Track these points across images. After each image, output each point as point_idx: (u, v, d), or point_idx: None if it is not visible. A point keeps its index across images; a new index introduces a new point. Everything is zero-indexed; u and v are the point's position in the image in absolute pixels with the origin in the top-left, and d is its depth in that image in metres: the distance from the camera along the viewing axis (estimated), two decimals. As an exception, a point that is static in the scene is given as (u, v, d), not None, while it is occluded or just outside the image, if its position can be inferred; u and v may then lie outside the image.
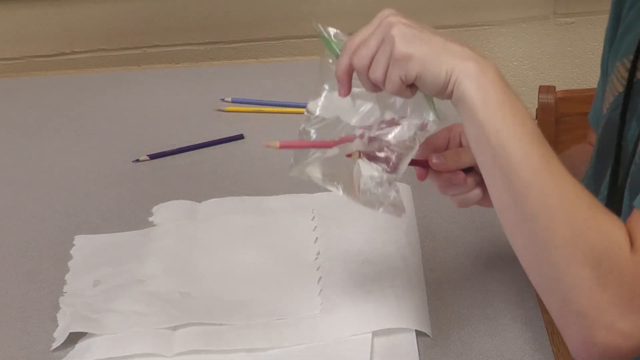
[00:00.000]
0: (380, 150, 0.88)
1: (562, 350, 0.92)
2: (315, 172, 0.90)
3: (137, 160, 1.33)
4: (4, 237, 1.17)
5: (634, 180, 0.97)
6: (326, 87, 0.91)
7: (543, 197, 0.80)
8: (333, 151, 0.90)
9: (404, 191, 1.17)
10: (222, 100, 1.49)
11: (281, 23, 1.94)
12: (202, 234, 1.14)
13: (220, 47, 1.95)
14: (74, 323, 0.98)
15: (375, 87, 0.85)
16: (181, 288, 1.04)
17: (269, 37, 1.95)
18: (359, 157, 0.88)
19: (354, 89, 0.87)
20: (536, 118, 1.53)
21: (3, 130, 1.45)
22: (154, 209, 1.20)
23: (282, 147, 0.89)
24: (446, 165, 0.94)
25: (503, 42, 2.01)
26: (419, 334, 0.96)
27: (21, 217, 1.21)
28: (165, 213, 1.19)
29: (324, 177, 0.90)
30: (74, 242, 1.14)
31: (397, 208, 0.87)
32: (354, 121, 0.91)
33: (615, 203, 1.01)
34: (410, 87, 0.84)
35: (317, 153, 0.90)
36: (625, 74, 1.03)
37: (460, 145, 0.96)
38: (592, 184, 1.10)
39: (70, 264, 1.10)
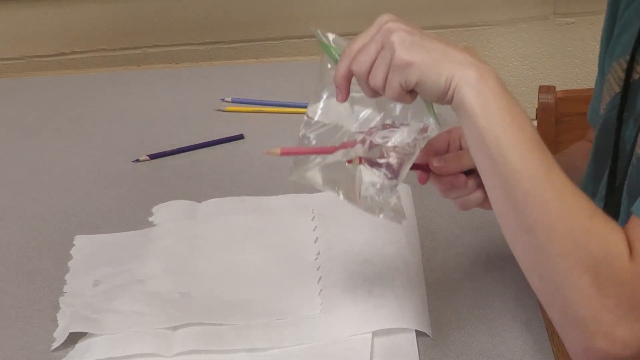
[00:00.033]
0: (381, 155, 0.88)
1: (562, 350, 0.92)
2: (315, 178, 0.90)
3: (137, 160, 1.33)
4: (4, 237, 1.17)
5: (632, 181, 0.97)
6: (325, 92, 0.90)
7: (542, 206, 0.80)
8: (333, 157, 0.89)
9: (404, 191, 1.17)
10: (222, 100, 1.49)
11: (281, 23, 1.94)
12: (202, 234, 1.14)
13: (220, 47, 1.95)
14: (74, 323, 0.98)
15: (375, 92, 0.85)
16: (181, 288, 1.04)
17: (269, 37, 1.95)
18: (360, 162, 0.88)
19: (354, 94, 0.87)
20: (536, 118, 1.53)
21: (3, 130, 1.45)
22: (154, 209, 1.20)
23: (283, 154, 0.89)
24: (447, 168, 0.94)
25: (503, 42, 2.01)
26: (419, 334, 0.96)
27: (21, 217, 1.21)
28: (165, 213, 1.19)
29: (325, 183, 0.90)
30: (74, 242, 1.14)
31: (397, 214, 0.87)
32: (354, 127, 0.91)
33: (613, 203, 1.01)
34: (410, 93, 0.83)
35: (317, 159, 0.90)
36: (622, 74, 1.03)
37: (461, 148, 0.96)
38: (590, 184, 1.10)
39: (70, 264, 1.10)
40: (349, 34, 1.98)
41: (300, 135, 0.91)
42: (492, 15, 1.98)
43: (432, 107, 0.87)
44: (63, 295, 1.05)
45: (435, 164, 0.94)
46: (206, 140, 1.37)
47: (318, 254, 1.08)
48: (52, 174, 1.32)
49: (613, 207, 1.01)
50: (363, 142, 0.89)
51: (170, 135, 1.39)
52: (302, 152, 0.91)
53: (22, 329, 1.01)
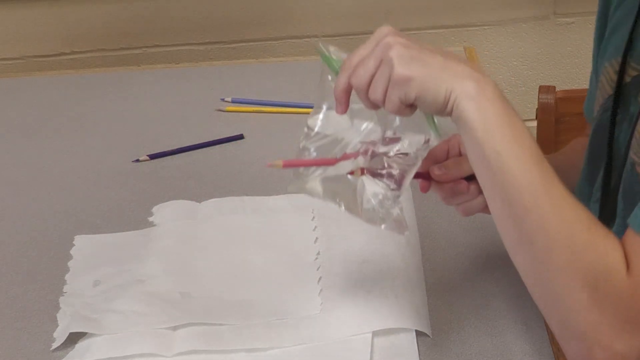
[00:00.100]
0: (383, 166, 0.88)
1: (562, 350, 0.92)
2: (315, 189, 0.90)
3: (137, 160, 1.33)
4: (4, 237, 1.17)
5: (627, 186, 0.97)
6: (325, 104, 0.91)
7: (541, 220, 0.80)
8: (335, 168, 0.89)
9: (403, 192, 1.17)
10: (222, 100, 1.49)
11: (281, 23, 1.94)
12: (202, 234, 1.14)
13: (220, 47, 1.95)
14: (74, 323, 0.98)
15: (375, 105, 0.85)
16: (181, 288, 1.04)
17: (269, 37, 1.95)
18: (362, 173, 0.88)
19: (353, 106, 0.87)
20: (536, 118, 1.53)
21: (3, 130, 1.45)
22: (154, 209, 1.20)
23: (285, 166, 0.89)
24: (448, 175, 0.94)
25: (503, 42, 2.01)
26: (419, 334, 0.96)
27: (21, 217, 1.21)
28: (165, 213, 1.19)
29: (325, 194, 0.90)
30: (74, 242, 1.14)
31: (400, 225, 0.87)
32: (355, 138, 0.91)
33: (609, 207, 1.01)
34: (410, 106, 0.84)
35: (317, 170, 0.90)
36: (614, 76, 1.03)
37: (460, 154, 0.96)
38: (585, 186, 1.10)
39: (70, 264, 1.10)
40: (349, 34, 1.98)
41: (300, 147, 0.91)
42: (492, 15, 1.98)
43: (433, 119, 0.87)
44: (63, 295, 1.05)
45: (436, 171, 0.94)
46: (206, 140, 1.37)
47: (318, 254, 1.08)
48: (52, 174, 1.32)
49: (609, 211, 1.01)
50: (365, 153, 0.89)
51: (170, 135, 1.39)
52: (304, 164, 0.91)
53: (22, 329, 1.01)
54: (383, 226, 0.87)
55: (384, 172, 0.88)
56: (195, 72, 1.61)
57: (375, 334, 0.96)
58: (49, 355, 0.97)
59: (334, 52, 0.88)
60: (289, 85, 1.53)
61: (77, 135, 1.42)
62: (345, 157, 0.89)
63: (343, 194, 0.89)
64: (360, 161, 0.89)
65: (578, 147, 1.20)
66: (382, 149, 0.88)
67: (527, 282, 0.85)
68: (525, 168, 0.81)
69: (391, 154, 0.88)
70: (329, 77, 0.89)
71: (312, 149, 0.91)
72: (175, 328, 0.97)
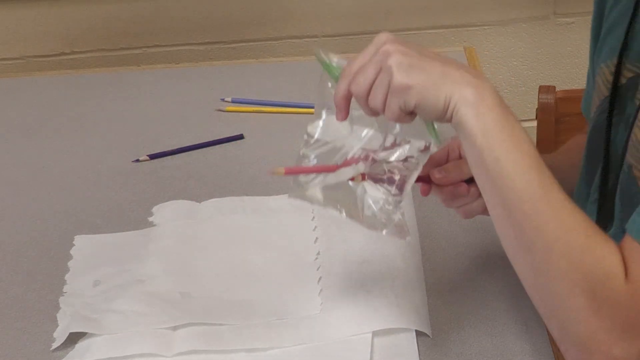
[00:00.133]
0: (384, 172, 0.88)
1: (562, 350, 0.92)
2: (316, 196, 0.91)
3: (137, 160, 1.33)
4: (4, 237, 1.17)
5: (624, 188, 0.97)
6: (325, 110, 0.91)
7: (540, 226, 0.81)
8: (336, 175, 0.90)
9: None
10: (222, 100, 1.49)
11: (281, 23, 1.94)
12: (202, 234, 1.14)
13: (220, 47, 1.95)
14: (74, 323, 0.98)
15: (375, 112, 0.85)
16: (181, 288, 1.04)
17: (269, 37, 1.95)
18: (363, 179, 0.88)
19: (353, 112, 0.87)
20: (536, 118, 1.53)
21: (3, 130, 1.45)
22: (154, 209, 1.20)
23: (287, 173, 0.89)
24: (448, 178, 0.95)
25: (503, 42, 2.01)
26: (419, 334, 0.96)
27: (21, 217, 1.21)
28: (165, 213, 1.19)
29: (326, 201, 0.90)
30: (74, 242, 1.14)
31: (401, 230, 0.87)
32: (355, 145, 0.91)
33: (606, 208, 1.01)
34: (410, 113, 0.84)
35: (318, 177, 0.90)
36: (610, 77, 1.03)
37: (460, 157, 0.96)
38: (583, 187, 1.10)
39: (70, 264, 1.10)
40: (349, 34, 1.98)
41: (301, 154, 0.91)
42: (492, 15, 1.98)
43: (433, 126, 0.87)
44: (63, 295, 1.05)
45: (436, 175, 0.95)
46: (206, 140, 1.37)
47: (318, 254, 1.08)
48: (52, 174, 1.32)
49: (606, 212, 1.01)
50: (366, 159, 0.89)
51: (170, 135, 1.39)
52: (305, 171, 0.91)
53: (22, 329, 1.01)
54: (384, 232, 0.87)
55: (384, 177, 0.88)
56: (195, 72, 1.61)
57: (375, 334, 0.96)
58: (49, 355, 0.97)
59: (334, 59, 0.88)
60: (289, 85, 1.53)
61: (77, 135, 1.42)
62: (345, 163, 0.90)
63: (344, 200, 0.89)
64: (361, 167, 0.89)
65: (577, 145, 1.20)
66: (382, 155, 0.89)
67: (527, 287, 0.85)
68: (524, 174, 0.81)
69: (392, 159, 0.88)
70: (329, 84, 0.89)
71: (312, 156, 0.91)
72: (175, 328, 0.97)
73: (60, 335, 0.98)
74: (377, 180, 0.88)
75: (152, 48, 1.93)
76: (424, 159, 0.88)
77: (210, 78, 1.58)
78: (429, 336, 0.96)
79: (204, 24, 1.93)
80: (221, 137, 1.38)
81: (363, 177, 0.88)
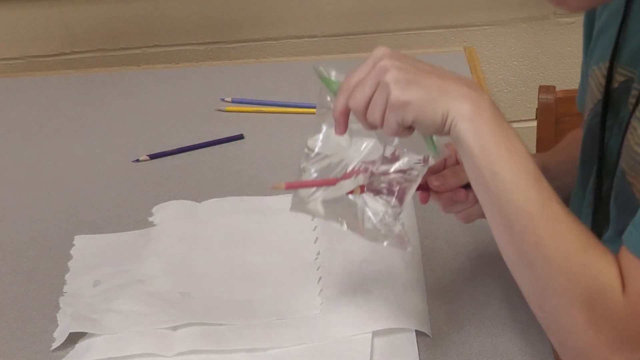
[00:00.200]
0: (383, 184, 0.88)
1: (562, 350, 0.92)
2: (317, 210, 0.91)
3: (137, 160, 1.33)
4: (4, 237, 1.17)
5: (618, 192, 0.97)
6: (325, 124, 0.91)
7: (539, 241, 0.81)
8: (336, 188, 0.90)
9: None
10: (222, 100, 1.49)
11: (281, 23, 1.94)
12: (202, 234, 1.14)
13: (220, 47, 1.95)
14: (74, 323, 0.98)
15: (373, 126, 0.86)
16: (181, 288, 1.04)
17: (269, 37, 1.95)
18: (363, 191, 0.89)
19: (353, 125, 0.88)
20: (536, 118, 1.53)
21: (3, 130, 1.45)
22: (154, 209, 1.20)
23: (288, 187, 0.90)
24: (446, 185, 0.95)
25: (503, 42, 2.00)
26: (419, 334, 0.96)
27: (21, 217, 1.21)
28: (165, 213, 1.19)
29: (327, 214, 0.91)
30: (74, 242, 1.14)
31: (402, 241, 0.87)
32: (355, 158, 0.91)
33: (601, 212, 1.01)
34: (409, 128, 0.84)
35: (319, 190, 0.91)
36: (602, 80, 1.03)
37: (457, 162, 0.97)
38: (579, 189, 1.10)
39: (70, 264, 1.10)
40: (349, 34, 1.97)
41: (301, 167, 0.92)
42: (493, 15, 1.98)
43: (431, 139, 0.87)
44: (63, 295, 1.05)
45: (434, 182, 0.95)
46: (206, 140, 1.37)
47: (318, 254, 1.08)
48: (52, 174, 1.32)
49: (602, 215, 1.01)
50: (365, 171, 0.90)
51: (170, 135, 1.39)
52: (305, 185, 0.91)
53: (22, 329, 1.01)
54: (385, 243, 0.87)
55: (384, 189, 0.88)
56: (195, 72, 1.61)
57: (375, 334, 0.96)
58: (49, 355, 0.97)
59: (333, 74, 0.89)
60: (289, 85, 1.53)
61: (77, 135, 1.42)
62: (345, 176, 0.90)
63: (344, 213, 0.90)
64: (360, 179, 0.89)
65: (575, 140, 1.19)
66: (382, 167, 0.89)
67: (528, 300, 0.86)
68: (521, 189, 0.81)
69: (391, 171, 0.89)
70: (328, 98, 0.89)
71: (312, 170, 0.91)
72: (175, 328, 0.97)
73: (60, 335, 0.98)
74: (376, 192, 0.89)
75: (152, 48, 1.93)
76: (423, 171, 0.89)
77: (210, 78, 1.58)
78: (429, 336, 0.96)
79: (204, 24, 1.93)
80: (221, 137, 1.38)
81: (362, 189, 0.89)
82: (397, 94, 0.81)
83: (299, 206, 0.92)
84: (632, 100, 0.96)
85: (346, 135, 0.89)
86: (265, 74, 1.59)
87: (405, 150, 0.89)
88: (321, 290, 1.02)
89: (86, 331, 0.97)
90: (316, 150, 0.92)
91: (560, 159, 1.17)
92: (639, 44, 0.97)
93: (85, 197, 1.25)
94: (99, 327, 0.98)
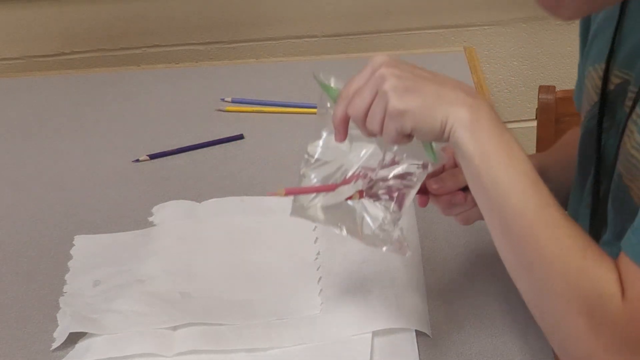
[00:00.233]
0: (382, 190, 0.88)
1: (562, 350, 0.92)
2: (316, 215, 0.91)
3: (137, 160, 1.33)
4: (4, 237, 1.17)
5: (615, 195, 0.97)
6: (325, 130, 0.92)
7: (538, 247, 0.81)
8: (335, 194, 0.90)
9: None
10: (222, 100, 1.49)
11: (281, 23, 1.94)
12: (202, 234, 1.14)
13: (220, 47, 1.95)
14: (74, 323, 0.98)
15: (373, 134, 0.86)
16: (181, 288, 1.04)
17: (269, 37, 1.95)
18: (361, 197, 0.89)
19: (353, 131, 0.88)
20: (536, 118, 1.53)
21: (3, 130, 1.45)
22: (154, 209, 1.20)
23: (287, 193, 0.90)
24: (445, 188, 0.95)
25: (503, 42, 2.00)
26: (419, 334, 0.96)
27: (21, 217, 1.21)
28: (165, 213, 1.19)
29: (326, 220, 0.91)
30: (74, 242, 1.14)
31: (401, 247, 0.88)
32: (355, 163, 0.92)
33: (599, 213, 1.01)
34: (408, 135, 0.84)
35: (318, 196, 0.91)
36: (598, 82, 1.03)
37: (455, 165, 0.97)
38: (578, 190, 1.10)
39: (70, 264, 1.10)
40: (349, 34, 1.97)
41: (301, 173, 0.92)
42: (493, 15, 1.98)
43: (430, 145, 0.88)
44: (63, 295, 1.05)
45: (433, 185, 0.95)
46: (206, 140, 1.37)
47: (318, 254, 1.08)
48: (52, 174, 1.32)
49: (600, 216, 1.01)
50: (364, 177, 0.90)
51: (170, 135, 1.39)
52: (305, 191, 0.91)
53: (22, 329, 1.01)
54: (384, 249, 0.87)
55: (383, 195, 0.89)
56: (195, 72, 1.61)
57: (375, 334, 0.96)
58: (49, 355, 0.97)
59: (333, 81, 0.89)
60: (289, 85, 1.53)
61: (77, 135, 1.42)
62: (345, 181, 0.91)
63: (344, 219, 0.90)
64: (359, 184, 0.90)
65: (574, 140, 1.20)
66: (381, 173, 0.89)
67: (528, 304, 0.86)
68: (520, 193, 0.82)
69: (390, 177, 0.89)
70: (328, 104, 0.89)
71: (312, 176, 0.92)
72: (175, 328, 0.97)
73: (60, 335, 0.98)
74: (375, 197, 0.89)
75: (152, 48, 1.93)
76: (422, 177, 0.89)
77: (210, 78, 1.58)
78: (429, 336, 0.96)
79: (204, 24, 1.93)
80: (221, 137, 1.38)
81: (361, 194, 0.89)
82: (395, 102, 0.82)
83: (299, 212, 0.92)
84: (629, 103, 0.96)
85: (346, 141, 0.89)
86: (265, 74, 1.59)
87: (404, 155, 0.89)
88: (321, 290, 1.02)
89: (86, 331, 0.97)
90: (316, 156, 0.92)
91: (558, 158, 1.17)
92: (634, 45, 0.97)
93: (85, 197, 1.25)
94: (99, 327, 0.98)
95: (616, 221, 0.97)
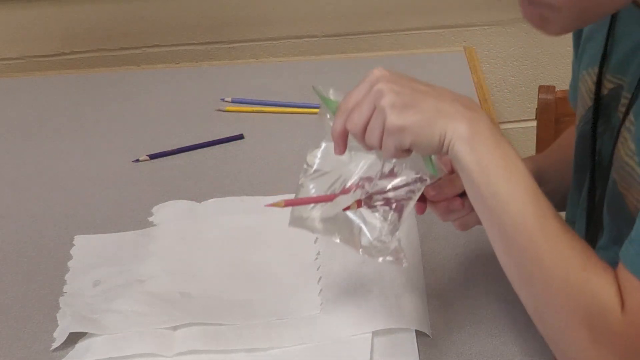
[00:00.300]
0: (381, 201, 0.88)
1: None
2: (314, 226, 0.91)
3: (137, 160, 1.33)
4: (4, 237, 1.17)
5: (610, 200, 0.97)
6: (324, 141, 0.92)
7: (538, 259, 0.82)
8: (332, 204, 0.90)
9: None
10: (222, 100, 1.49)
11: (281, 23, 1.94)
12: (202, 234, 1.14)
13: (220, 47, 1.95)
14: (74, 323, 0.98)
15: (372, 148, 0.86)
16: (181, 288, 1.04)
17: (269, 37, 1.95)
18: (359, 207, 0.89)
19: (351, 143, 0.88)
20: (536, 118, 1.53)
21: (3, 130, 1.45)
22: (154, 209, 1.20)
23: (286, 205, 0.90)
24: (442, 194, 0.95)
25: (503, 42, 2.00)
26: (419, 334, 0.96)
27: (21, 217, 1.21)
28: (165, 213, 1.19)
29: (324, 230, 0.91)
30: (74, 242, 1.14)
31: (398, 257, 0.88)
32: (354, 173, 0.92)
33: (595, 216, 1.01)
34: (407, 150, 0.84)
35: (317, 206, 0.91)
36: (592, 86, 1.03)
37: (452, 172, 0.97)
38: (575, 193, 1.10)
39: (70, 264, 1.10)
40: (349, 34, 1.97)
41: (300, 183, 0.92)
42: (493, 15, 1.98)
43: (430, 159, 0.88)
44: (63, 295, 1.05)
45: (430, 192, 0.95)
46: (206, 140, 1.37)
47: (318, 254, 1.08)
48: (52, 174, 1.32)
49: (596, 220, 1.01)
50: (363, 187, 0.90)
51: (170, 135, 1.39)
52: (304, 202, 0.91)
53: (22, 329, 1.01)
54: (381, 259, 0.87)
55: (381, 205, 0.89)
56: (195, 72, 1.62)
57: (375, 334, 0.96)
58: (49, 355, 0.97)
59: (332, 93, 0.89)
60: (289, 85, 1.53)
61: (77, 135, 1.42)
62: (343, 192, 0.91)
63: (341, 229, 0.90)
64: (358, 195, 0.90)
65: (570, 139, 1.19)
66: (380, 183, 0.89)
67: (530, 314, 0.87)
68: (520, 206, 0.82)
69: (389, 187, 0.89)
70: (327, 116, 0.89)
71: (310, 186, 0.92)
72: (175, 328, 0.97)
73: (60, 335, 0.98)
74: (373, 208, 0.89)
75: (152, 48, 1.93)
76: (421, 188, 0.89)
77: (210, 78, 1.58)
78: (429, 336, 0.96)
79: (204, 24, 1.93)
80: (221, 137, 1.38)
81: (359, 204, 0.89)
82: (393, 119, 0.82)
83: (297, 222, 0.92)
84: (622, 109, 0.96)
85: (346, 152, 0.89)
86: (265, 74, 1.59)
87: (403, 166, 0.89)
88: (321, 290, 1.02)
89: (86, 331, 0.97)
90: (315, 167, 0.92)
91: (556, 159, 1.17)
92: (627, 50, 0.97)
93: (85, 197, 1.25)
94: (99, 327, 0.98)
95: (612, 226, 0.97)
